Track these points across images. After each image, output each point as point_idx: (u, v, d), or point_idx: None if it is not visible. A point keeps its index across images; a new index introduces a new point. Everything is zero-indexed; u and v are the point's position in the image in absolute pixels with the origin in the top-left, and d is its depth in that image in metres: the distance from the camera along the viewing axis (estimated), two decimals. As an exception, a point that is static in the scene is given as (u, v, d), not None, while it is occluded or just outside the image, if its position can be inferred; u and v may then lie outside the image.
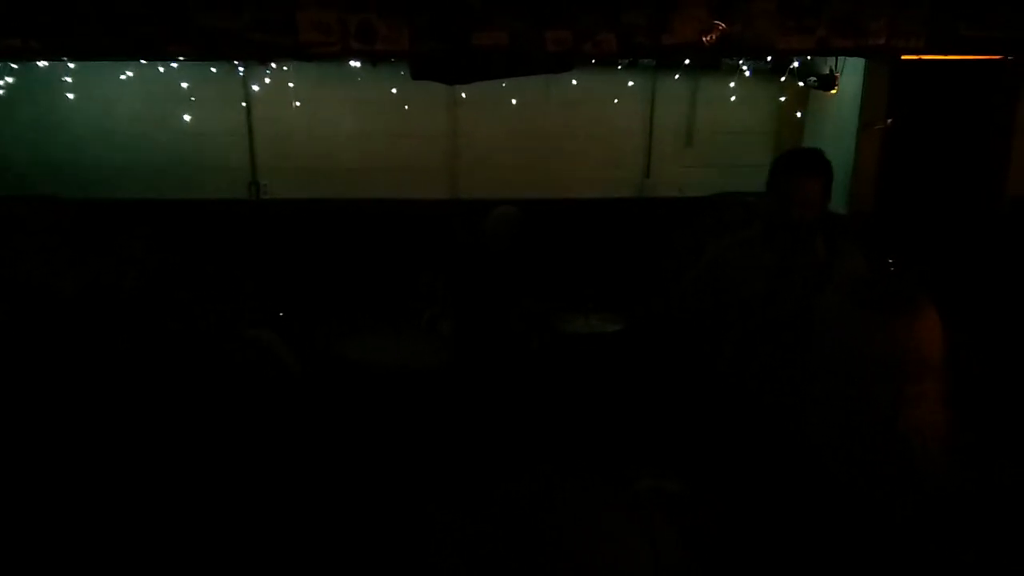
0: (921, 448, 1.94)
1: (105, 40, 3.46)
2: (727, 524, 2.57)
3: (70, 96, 5.23)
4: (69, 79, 5.20)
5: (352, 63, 4.82)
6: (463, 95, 5.43)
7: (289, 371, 2.89)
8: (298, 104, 5.35)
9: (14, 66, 5.04)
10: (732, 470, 2.69)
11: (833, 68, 4.98)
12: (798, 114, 5.54)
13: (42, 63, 4.94)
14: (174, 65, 5.09)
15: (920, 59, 4.23)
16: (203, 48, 3.50)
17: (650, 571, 1.54)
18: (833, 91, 5.04)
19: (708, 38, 3.62)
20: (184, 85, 5.22)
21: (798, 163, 2.73)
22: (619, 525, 1.64)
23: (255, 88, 5.35)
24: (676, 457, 2.97)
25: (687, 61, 4.95)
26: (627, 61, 5.17)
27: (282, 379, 2.83)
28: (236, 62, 5.13)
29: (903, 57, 4.25)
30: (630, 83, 5.46)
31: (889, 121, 4.90)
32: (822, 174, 2.67)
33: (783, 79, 5.25)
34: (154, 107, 5.39)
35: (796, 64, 5.09)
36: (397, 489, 3.12)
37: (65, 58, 4.59)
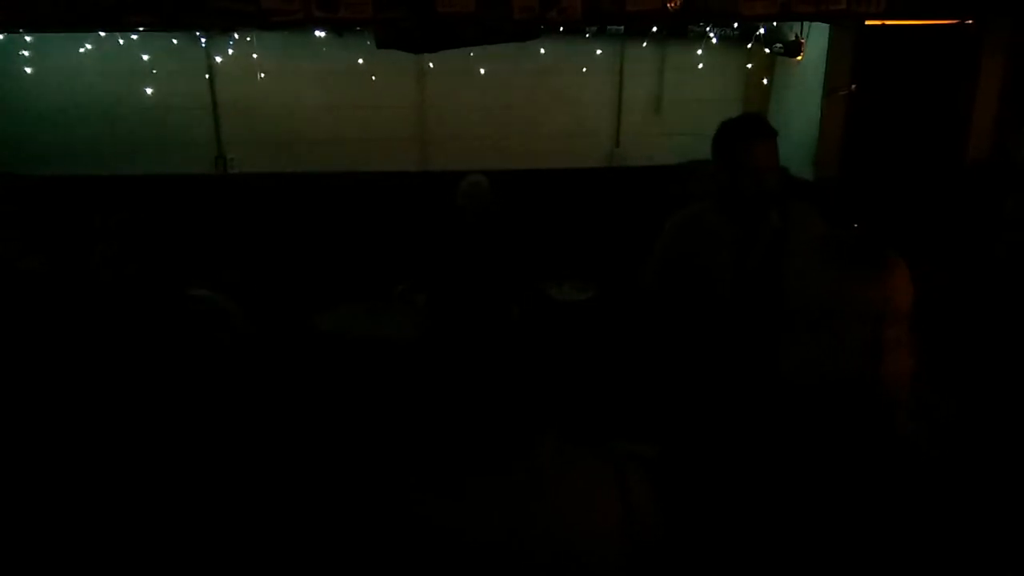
0: (893, 390, 2.16)
1: (63, 10, 3.38)
2: (699, 485, 2.63)
3: (28, 70, 5.11)
4: (27, 53, 5.08)
5: (318, 33, 4.76)
6: (431, 65, 5.39)
7: (235, 327, 2.89)
8: (263, 76, 5.27)
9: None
10: (704, 434, 2.74)
11: (799, 34, 5.01)
12: (764, 81, 5.58)
13: (-2, 36, 4.82)
14: (134, 37, 4.98)
15: (883, 24, 4.27)
16: (163, 17, 3.43)
17: (622, 527, 1.58)
18: (799, 57, 5.08)
19: (672, 4, 3.63)
20: (145, 57, 5.12)
21: (750, 128, 2.61)
22: (593, 483, 1.68)
23: (218, 60, 5.26)
24: (649, 422, 3.02)
25: (654, 28, 4.95)
26: (595, 29, 5.16)
27: (229, 335, 2.82)
28: (198, 33, 5.04)
29: (867, 22, 4.29)
30: (598, 51, 5.45)
31: (853, 87, 4.95)
32: (774, 135, 2.57)
33: (749, 46, 5.27)
34: (115, 81, 5.28)
35: (762, 31, 5.11)
36: (367, 454, 3.15)
37: (22, 30, 4.48)
